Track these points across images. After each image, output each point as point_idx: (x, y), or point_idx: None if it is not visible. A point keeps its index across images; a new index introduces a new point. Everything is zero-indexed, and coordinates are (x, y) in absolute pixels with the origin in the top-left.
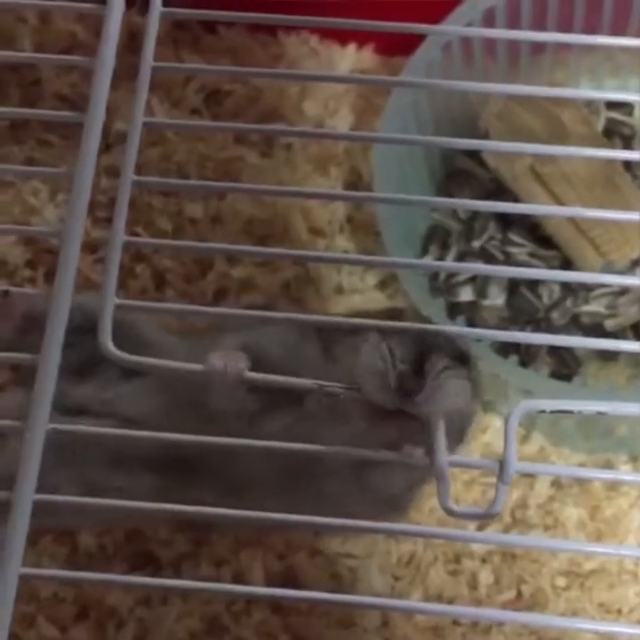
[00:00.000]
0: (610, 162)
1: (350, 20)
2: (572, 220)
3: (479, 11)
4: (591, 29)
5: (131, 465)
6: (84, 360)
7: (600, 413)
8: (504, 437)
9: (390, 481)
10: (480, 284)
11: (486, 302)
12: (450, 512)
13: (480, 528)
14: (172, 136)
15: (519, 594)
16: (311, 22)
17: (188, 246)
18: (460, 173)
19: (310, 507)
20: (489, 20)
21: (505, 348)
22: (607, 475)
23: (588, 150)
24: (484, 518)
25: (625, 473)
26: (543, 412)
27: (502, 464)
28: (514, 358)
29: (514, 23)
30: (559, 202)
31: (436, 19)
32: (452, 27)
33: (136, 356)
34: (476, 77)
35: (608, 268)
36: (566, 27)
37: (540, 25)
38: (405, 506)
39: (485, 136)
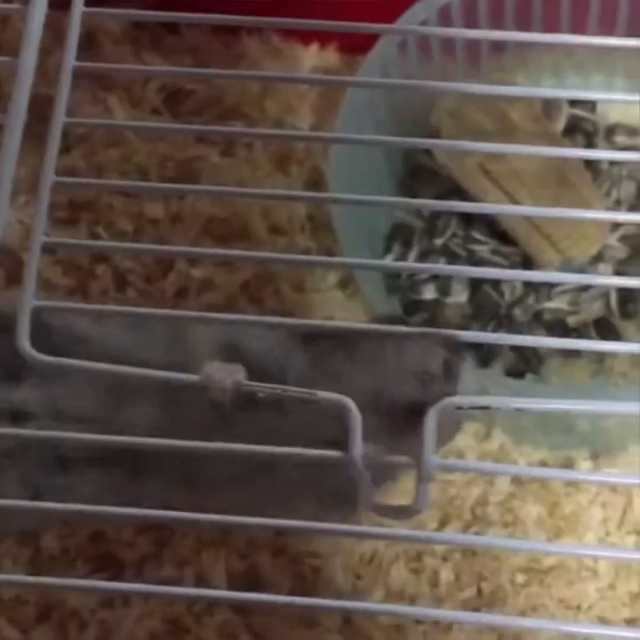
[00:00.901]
0: (563, 158)
1: (302, 20)
2: (526, 217)
3: (434, 8)
4: (551, 25)
5: (75, 462)
6: (14, 362)
7: (519, 410)
8: (422, 435)
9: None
10: (443, 281)
11: (449, 300)
12: (372, 509)
13: (441, 527)
14: (132, 136)
15: (479, 591)
16: (262, 23)
17: (114, 247)
18: (421, 170)
19: (267, 496)
20: (445, 17)
21: (464, 346)
22: (541, 472)
23: (530, 148)
24: (405, 517)
25: (580, 472)
26: (460, 408)
27: (419, 462)
28: (470, 355)
29: (471, 19)
30: (512, 199)
31: (394, 16)
32: (408, 26)
33: (56, 359)
34: (435, 75)
35: (567, 265)
36: (525, 22)
37: (497, 21)
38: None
39: (437, 133)
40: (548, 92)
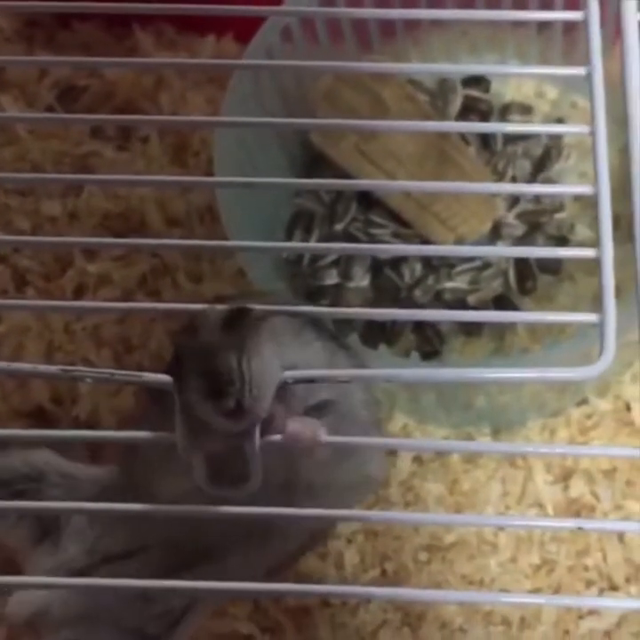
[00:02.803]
0: (443, 136)
1: (178, 5)
2: (411, 197)
3: None
4: (438, 5)
5: None
6: None
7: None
8: None
9: None
10: (344, 266)
11: (351, 284)
12: (207, 487)
13: None
14: (25, 134)
15: (383, 571)
16: (144, 9)
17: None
18: (319, 157)
19: None
20: (329, 2)
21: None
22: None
23: (396, 122)
24: (240, 492)
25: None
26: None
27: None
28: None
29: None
30: (391, 179)
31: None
32: (290, 7)
33: None
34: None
35: (460, 243)
36: (411, 3)
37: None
38: None
39: (313, 116)
40: (415, 67)
